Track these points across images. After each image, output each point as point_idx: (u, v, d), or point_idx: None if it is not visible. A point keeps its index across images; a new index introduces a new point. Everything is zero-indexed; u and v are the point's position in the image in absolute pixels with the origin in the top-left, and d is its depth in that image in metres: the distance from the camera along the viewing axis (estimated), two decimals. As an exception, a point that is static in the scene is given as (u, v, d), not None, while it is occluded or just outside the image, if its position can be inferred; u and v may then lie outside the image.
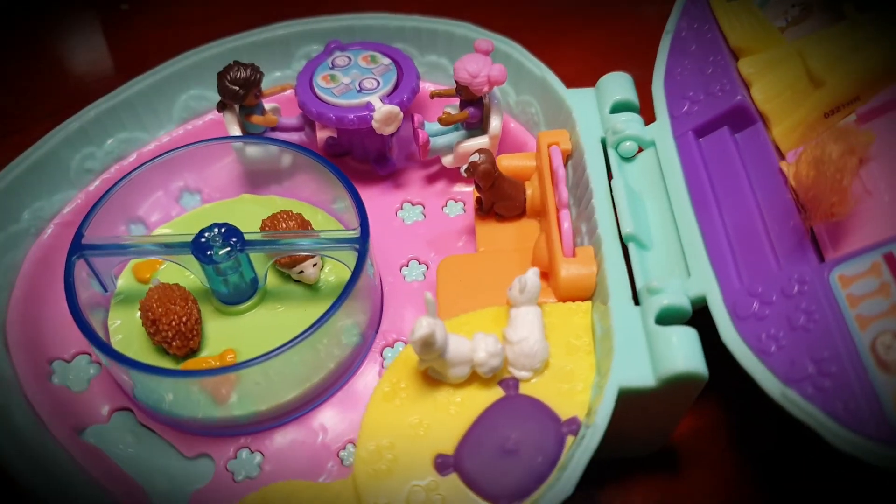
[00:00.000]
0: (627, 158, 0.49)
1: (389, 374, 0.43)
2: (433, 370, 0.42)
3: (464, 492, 0.38)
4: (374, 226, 0.47)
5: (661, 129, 0.48)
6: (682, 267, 0.43)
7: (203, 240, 0.46)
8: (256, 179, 0.56)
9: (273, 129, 0.55)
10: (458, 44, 0.58)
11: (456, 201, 0.56)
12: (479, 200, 0.52)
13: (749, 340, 0.38)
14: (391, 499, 0.38)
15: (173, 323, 0.45)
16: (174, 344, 0.45)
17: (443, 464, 0.40)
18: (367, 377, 0.48)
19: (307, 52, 0.60)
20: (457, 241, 0.54)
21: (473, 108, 0.53)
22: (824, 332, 0.36)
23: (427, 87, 0.58)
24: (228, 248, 0.45)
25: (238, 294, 0.48)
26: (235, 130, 0.53)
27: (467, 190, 0.57)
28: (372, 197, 0.56)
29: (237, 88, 0.51)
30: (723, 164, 0.45)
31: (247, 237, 0.46)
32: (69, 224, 0.52)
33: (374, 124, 0.52)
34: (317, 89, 0.53)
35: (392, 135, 0.55)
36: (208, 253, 0.45)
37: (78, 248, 0.46)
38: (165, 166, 0.51)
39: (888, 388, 0.33)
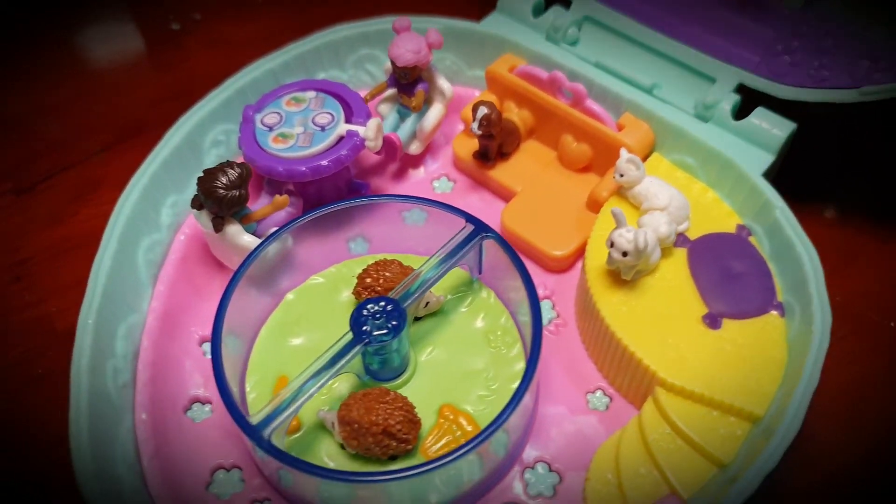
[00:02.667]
0: (574, 42, 0.54)
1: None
2: (628, 271, 0.44)
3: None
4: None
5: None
6: (702, 81, 0.50)
7: (365, 310, 0.41)
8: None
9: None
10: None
11: (446, 179, 0.56)
12: (482, 154, 0.53)
13: (805, 83, 0.47)
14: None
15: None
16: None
17: (710, 321, 0.43)
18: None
19: (357, 58, 0.57)
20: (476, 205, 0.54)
21: (422, 83, 0.53)
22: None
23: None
24: (387, 330, 0.41)
25: (390, 371, 0.44)
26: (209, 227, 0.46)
27: (441, 166, 0.57)
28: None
29: (237, 192, 0.44)
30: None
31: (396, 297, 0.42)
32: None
33: (370, 144, 0.49)
34: (279, 153, 0.49)
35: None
36: (364, 329, 0.41)
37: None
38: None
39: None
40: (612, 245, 0.42)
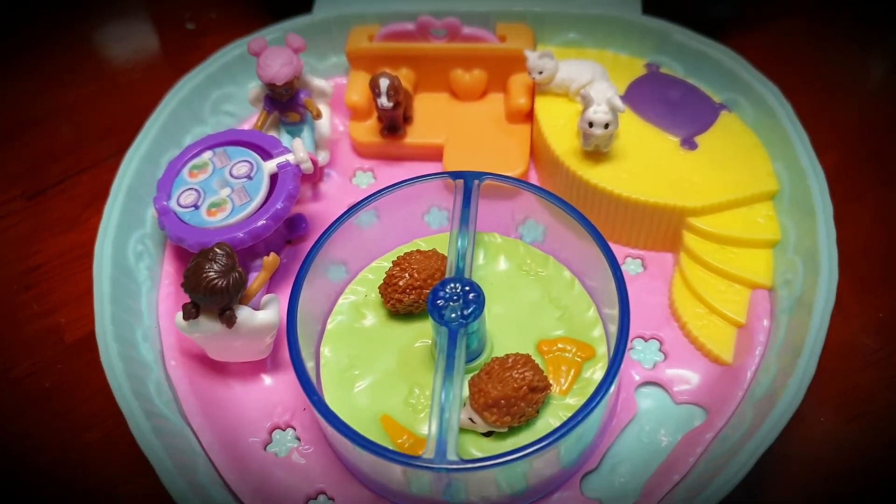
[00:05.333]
0: None
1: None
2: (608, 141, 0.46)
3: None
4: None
5: None
6: None
7: (440, 299, 0.39)
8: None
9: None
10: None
11: (360, 173, 0.54)
12: (391, 128, 0.52)
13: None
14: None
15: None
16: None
17: (688, 145, 0.47)
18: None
19: (211, 105, 0.53)
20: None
21: (302, 91, 0.50)
22: None
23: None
24: (457, 316, 0.39)
25: (479, 344, 0.43)
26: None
27: (347, 163, 0.55)
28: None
29: (236, 273, 0.39)
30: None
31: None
32: None
33: (306, 166, 0.46)
34: (226, 222, 0.44)
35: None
36: (438, 303, 0.39)
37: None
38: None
39: None
40: (591, 125, 0.44)
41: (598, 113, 0.44)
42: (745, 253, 0.45)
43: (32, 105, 0.62)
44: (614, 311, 0.43)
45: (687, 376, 0.44)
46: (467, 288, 0.40)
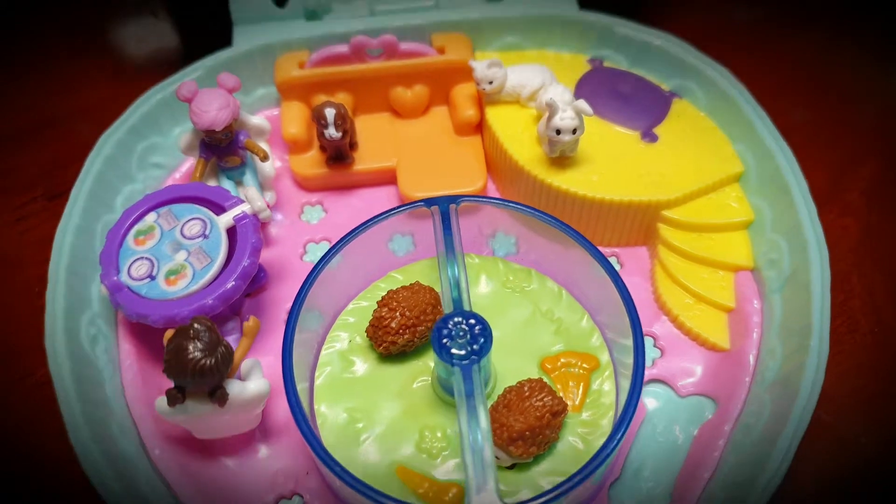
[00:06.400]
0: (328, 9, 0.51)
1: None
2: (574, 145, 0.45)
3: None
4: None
5: None
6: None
7: (445, 338, 0.37)
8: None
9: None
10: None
11: (309, 208, 0.51)
12: (337, 157, 0.49)
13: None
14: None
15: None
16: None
17: (648, 138, 0.47)
18: None
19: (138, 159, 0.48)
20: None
21: (241, 133, 0.46)
22: None
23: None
24: (468, 352, 0.37)
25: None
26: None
27: (291, 199, 0.51)
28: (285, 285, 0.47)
29: (223, 347, 0.36)
30: None
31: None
32: None
33: (265, 214, 0.43)
34: (190, 290, 0.40)
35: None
36: (444, 342, 0.37)
37: None
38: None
39: None
40: (558, 132, 0.43)
41: (566, 119, 0.43)
42: (722, 237, 0.45)
43: (51, 106, 0.60)
44: (609, 316, 0.42)
45: (688, 368, 0.44)
46: (472, 321, 0.38)
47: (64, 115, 0.59)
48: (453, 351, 0.37)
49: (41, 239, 0.48)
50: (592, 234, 0.47)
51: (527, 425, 0.37)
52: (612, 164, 0.46)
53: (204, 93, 0.44)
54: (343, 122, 0.46)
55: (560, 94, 0.46)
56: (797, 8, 0.62)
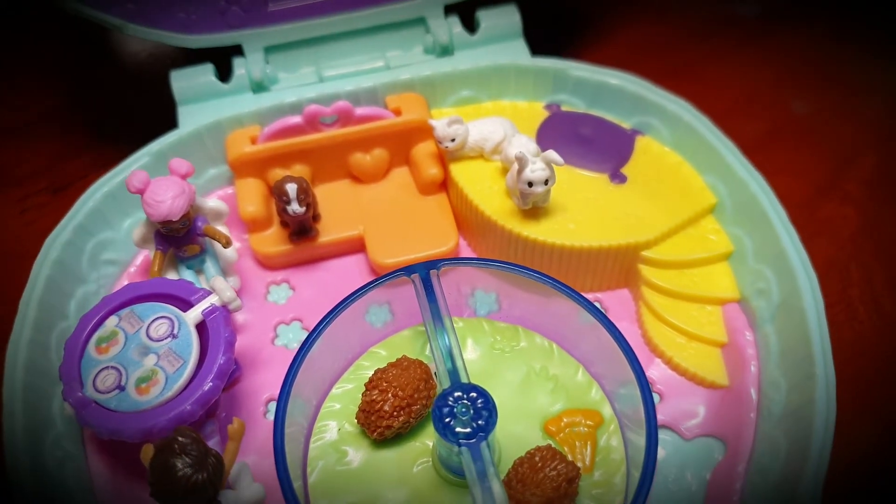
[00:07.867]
0: (275, 79, 0.49)
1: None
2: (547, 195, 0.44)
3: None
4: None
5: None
6: (415, 27, 0.50)
7: (447, 417, 0.35)
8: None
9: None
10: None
11: (275, 287, 0.48)
12: (300, 231, 0.47)
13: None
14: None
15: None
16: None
17: (617, 179, 0.46)
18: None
19: (89, 258, 0.45)
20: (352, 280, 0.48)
21: (199, 218, 0.44)
22: None
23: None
24: (473, 429, 0.35)
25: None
26: None
27: (255, 280, 0.49)
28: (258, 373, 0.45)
29: (211, 458, 0.33)
30: None
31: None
32: None
33: (235, 305, 0.40)
34: (166, 397, 0.37)
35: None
36: (447, 422, 0.35)
37: None
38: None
39: None
40: (530, 185, 0.42)
41: (536, 171, 0.42)
42: (704, 271, 0.45)
43: (56, 98, 0.61)
44: (605, 367, 0.41)
45: (689, 410, 0.42)
46: (473, 394, 0.36)
47: (68, 106, 0.60)
48: (458, 430, 0.35)
49: (45, 232, 0.45)
50: (573, 282, 0.45)
51: (545, 498, 0.35)
52: (586, 210, 0.45)
53: (156, 182, 0.41)
54: (306, 196, 0.44)
55: (525, 144, 0.45)
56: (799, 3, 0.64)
